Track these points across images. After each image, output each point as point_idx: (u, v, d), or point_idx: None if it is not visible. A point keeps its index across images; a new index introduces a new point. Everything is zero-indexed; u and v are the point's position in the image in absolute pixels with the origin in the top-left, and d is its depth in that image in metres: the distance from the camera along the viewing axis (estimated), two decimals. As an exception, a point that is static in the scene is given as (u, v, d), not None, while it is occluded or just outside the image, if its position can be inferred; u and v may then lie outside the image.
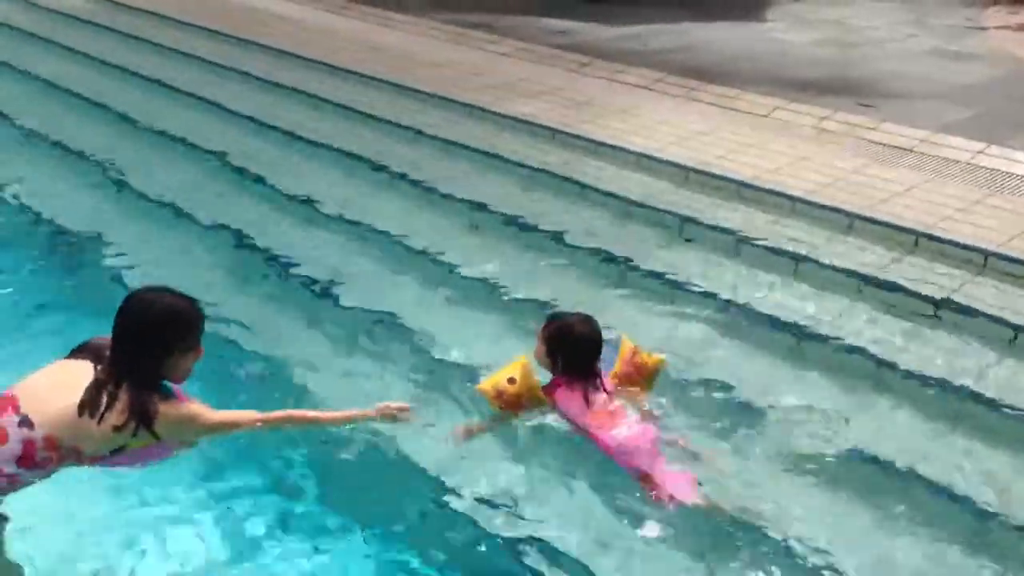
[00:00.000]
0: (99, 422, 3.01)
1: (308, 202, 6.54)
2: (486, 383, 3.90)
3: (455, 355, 4.68)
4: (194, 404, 3.29)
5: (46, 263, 5.82)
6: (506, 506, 3.72)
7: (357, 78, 9.03)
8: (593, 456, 3.83)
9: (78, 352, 3.21)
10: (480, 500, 3.74)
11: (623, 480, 3.74)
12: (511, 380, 3.84)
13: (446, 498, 3.77)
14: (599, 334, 3.96)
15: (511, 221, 6.28)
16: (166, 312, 3.17)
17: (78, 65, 9.72)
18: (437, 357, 4.68)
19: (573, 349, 3.89)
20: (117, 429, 3.04)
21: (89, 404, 3.02)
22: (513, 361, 3.95)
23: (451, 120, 7.97)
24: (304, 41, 10.18)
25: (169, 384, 3.29)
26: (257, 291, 5.46)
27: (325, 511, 3.73)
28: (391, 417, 3.68)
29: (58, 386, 3.06)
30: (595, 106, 8.17)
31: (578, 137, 7.45)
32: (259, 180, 6.92)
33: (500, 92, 8.48)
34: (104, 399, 3.04)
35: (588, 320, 3.97)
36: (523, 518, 3.67)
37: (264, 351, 4.74)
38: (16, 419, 2.96)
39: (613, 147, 7.23)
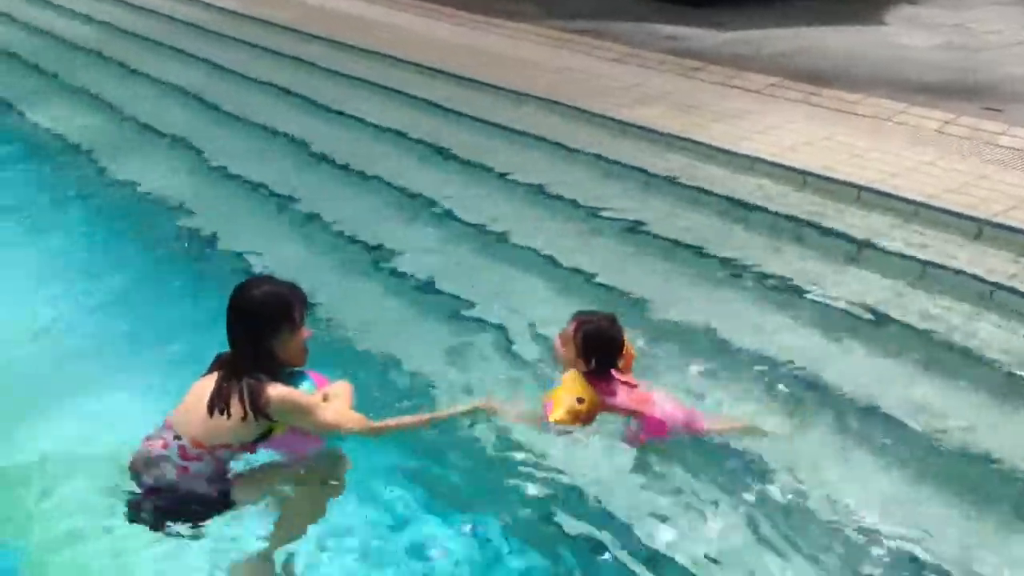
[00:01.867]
0: (227, 416, 3.29)
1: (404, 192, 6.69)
2: (560, 413, 3.85)
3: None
4: (310, 396, 3.45)
5: (175, 256, 6.10)
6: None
7: (474, 85, 9.18)
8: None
9: (211, 368, 3.47)
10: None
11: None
12: (580, 400, 3.87)
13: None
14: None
15: (626, 225, 6.30)
16: (263, 297, 3.41)
17: (203, 72, 10.14)
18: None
19: (609, 348, 4.02)
20: (243, 419, 3.29)
21: (213, 403, 3.32)
22: (565, 380, 3.96)
23: (566, 125, 8.03)
24: (412, 47, 10.40)
25: (305, 373, 3.52)
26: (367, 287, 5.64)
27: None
28: (493, 412, 3.87)
29: (195, 398, 3.39)
30: (708, 111, 8.11)
31: (693, 142, 7.41)
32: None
33: (612, 97, 8.50)
34: (225, 395, 3.31)
35: (615, 319, 4.12)
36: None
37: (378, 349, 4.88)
38: (171, 434, 3.38)
39: (728, 152, 7.16)
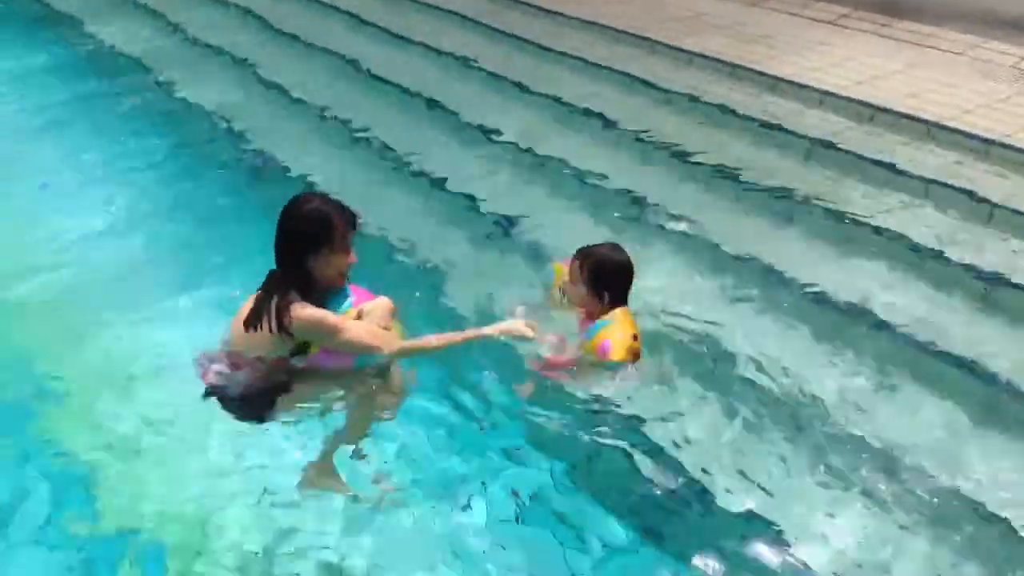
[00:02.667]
0: (259, 332, 3.37)
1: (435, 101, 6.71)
2: (620, 352, 3.77)
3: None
4: (339, 316, 3.44)
5: (236, 172, 6.18)
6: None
7: (540, 12, 9.07)
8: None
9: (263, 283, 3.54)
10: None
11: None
12: (636, 336, 3.81)
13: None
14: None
15: (682, 156, 6.24)
16: (307, 215, 3.40)
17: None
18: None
19: (622, 279, 3.85)
20: (271, 335, 3.36)
21: (250, 319, 3.39)
22: (616, 318, 3.83)
23: (631, 55, 7.93)
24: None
25: (348, 291, 3.58)
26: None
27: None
28: (515, 335, 3.71)
29: (240, 314, 3.45)
30: (776, 41, 7.95)
31: (758, 73, 7.29)
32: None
33: (677, 26, 8.36)
34: (258, 311, 3.39)
35: (620, 247, 3.91)
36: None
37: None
38: (224, 343, 3.53)
39: (795, 84, 7.05)
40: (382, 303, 3.63)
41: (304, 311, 3.34)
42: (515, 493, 3.50)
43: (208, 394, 3.49)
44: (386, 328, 3.56)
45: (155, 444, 3.60)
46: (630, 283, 3.89)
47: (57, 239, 5.12)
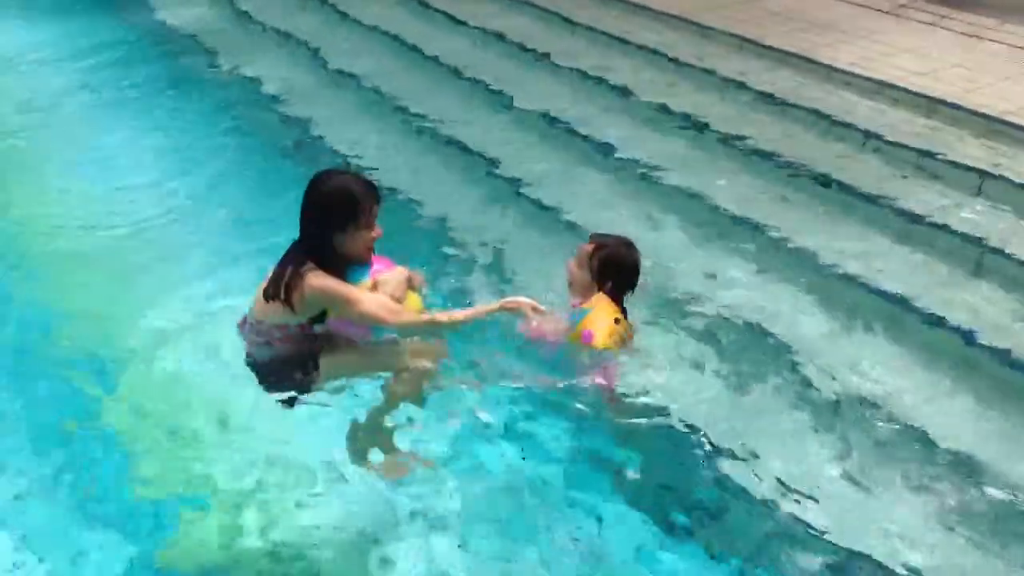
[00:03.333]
0: (275, 300, 3.41)
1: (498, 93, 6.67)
2: (603, 339, 3.71)
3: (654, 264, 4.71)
4: (352, 287, 3.44)
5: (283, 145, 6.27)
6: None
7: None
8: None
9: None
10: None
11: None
12: (617, 320, 3.77)
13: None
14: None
15: (731, 143, 6.18)
16: (333, 190, 3.42)
17: None
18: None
19: (626, 272, 3.84)
20: (284, 304, 3.40)
21: (268, 289, 3.44)
22: (596, 304, 3.78)
23: (679, 39, 7.87)
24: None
25: (366, 265, 3.58)
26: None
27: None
28: (515, 310, 3.63)
29: (264, 284, 3.50)
30: (832, 30, 7.84)
31: (812, 62, 7.20)
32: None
33: (730, 12, 8.27)
34: (276, 279, 3.43)
35: (631, 243, 3.92)
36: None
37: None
38: (249, 311, 3.58)
39: (850, 74, 6.95)
40: (397, 274, 3.64)
41: (318, 280, 3.36)
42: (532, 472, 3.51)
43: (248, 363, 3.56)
44: (399, 300, 3.56)
45: (200, 413, 3.65)
46: (635, 284, 3.89)
47: (112, 209, 5.25)
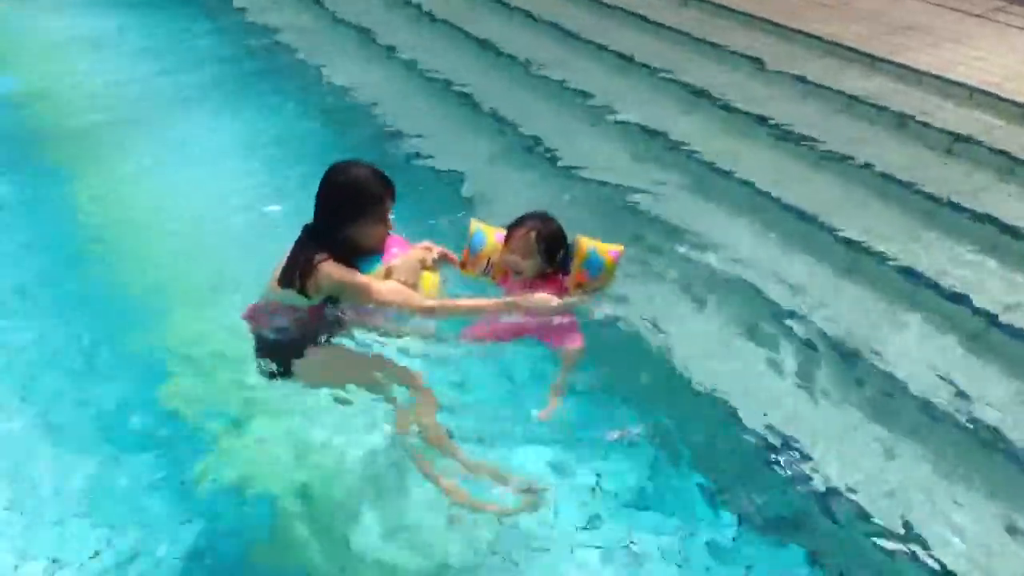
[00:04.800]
0: (289, 285, 3.44)
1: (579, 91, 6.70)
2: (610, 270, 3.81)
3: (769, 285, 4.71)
4: (363, 276, 3.45)
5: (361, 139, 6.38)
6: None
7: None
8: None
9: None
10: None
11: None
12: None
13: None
14: None
15: (814, 145, 6.10)
16: (352, 182, 3.45)
17: None
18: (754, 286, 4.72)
19: (565, 244, 3.85)
20: (299, 290, 3.43)
21: (283, 276, 3.46)
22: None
23: (762, 41, 7.79)
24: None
25: (376, 258, 3.58)
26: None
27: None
28: (544, 310, 3.61)
29: (280, 265, 3.52)
30: (920, 32, 7.68)
31: (900, 65, 7.06)
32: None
33: (815, 13, 8.16)
34: (290, 265, 3.45)
35: (547, 213, 3.88)
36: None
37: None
38: (266, 292, 3.58)
39: (940, 78, 6.80)
40: (410, 259, 3.65)
41: (331, 270, 3.39)
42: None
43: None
44: (412, 285, 3.57)
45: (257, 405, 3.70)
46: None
47: (193, 203, 5.36)
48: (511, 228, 3.83)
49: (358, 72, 7.57)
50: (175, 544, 3.15)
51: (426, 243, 3.84)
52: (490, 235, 3.92)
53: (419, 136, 6.36)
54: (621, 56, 7.67)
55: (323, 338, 3.55)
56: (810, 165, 5.95)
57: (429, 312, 3.59)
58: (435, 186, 5.61)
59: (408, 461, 3.37)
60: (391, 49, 8.07)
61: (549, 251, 3.80)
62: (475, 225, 3.96)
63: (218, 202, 5.34)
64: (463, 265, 3.92)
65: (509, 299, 3.65)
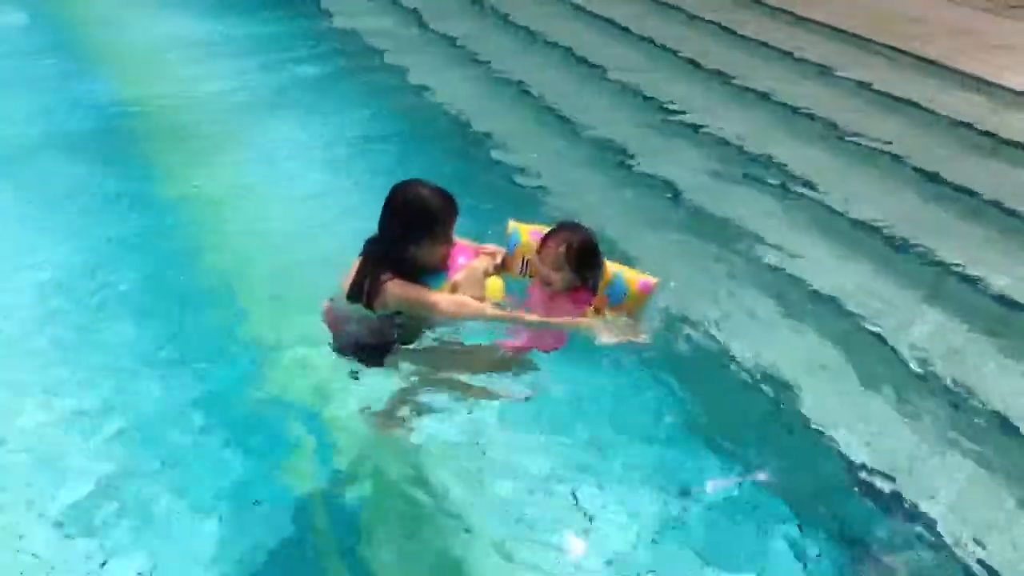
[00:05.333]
0: (357, 300, 3.54)
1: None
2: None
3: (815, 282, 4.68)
4: (430, 292, 3.52)
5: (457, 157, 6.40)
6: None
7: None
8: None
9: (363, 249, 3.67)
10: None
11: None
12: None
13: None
14: None
15: (909, 165, 6.00)
16: (414, 203, 3.48)
17: None
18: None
19: (597, 252, 3.76)
20: (368, 306, 3.52)
21: (352, 292, 3.56)
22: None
23: (854, 58, 7.71)
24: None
25: (442, 275, 3.64)
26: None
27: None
28: (610, 340, 3.61)
29: (348, 275, 3.60)
30: (1020, 52, 7.50)
31: (998, 86, 6.92)
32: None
33: (906, 29, 8.03)
34: (358, 283, 3.54)
35: (579, 225, 3.80)
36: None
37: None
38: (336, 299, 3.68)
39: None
40: (475, 271, 3.68)
41: (399, 289, 3.47)
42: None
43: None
44: (478, 297, 3.60)
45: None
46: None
47: (283, 205, 5.48)
48: (545, 237, 3.78)
49: (444, 77, 7.70)
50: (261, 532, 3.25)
51: (491, 247, 3.89)
52: (524, 234, 3.88)
53: (498, 138, 6.45)
54: (692, 62, 7.72)
55: (397, 343, 3.66)
56: (900, 183, 5.86)
57: (495, 318, 3.64)
58: (511, 188, 5.67)
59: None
60: (476, 56, 8.20)
61: (580, 266, 3.72)
62: (512, 225, 3.93)
63: (308, 205, 5.46)
64: (505, 267, 3.90)
65: (578, 322, 3.65)
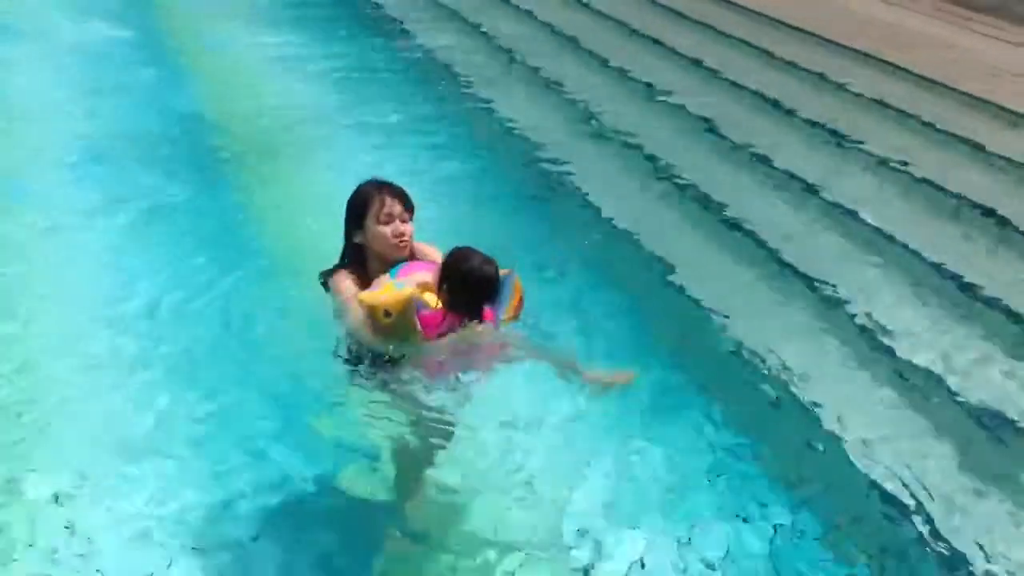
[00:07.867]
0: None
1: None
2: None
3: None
4: (349, 294, 3.41)
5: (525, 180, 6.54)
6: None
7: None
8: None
9: None
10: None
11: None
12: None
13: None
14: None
15: (967, 201, 6.12)
16: (354, 194, 3.56)
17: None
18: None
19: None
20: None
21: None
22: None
23: (919, 97, 7.86)
24: None
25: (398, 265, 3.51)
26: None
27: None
28: (601, 384, 3.57)
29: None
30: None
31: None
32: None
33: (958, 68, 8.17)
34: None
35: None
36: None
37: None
38: None
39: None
40: (383, 279, 3.44)
41: (335, 281, 3.51)
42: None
43: None
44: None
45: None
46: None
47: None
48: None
49: (518, 101, 7.88)
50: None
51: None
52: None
53: (566, 165, 6.60)
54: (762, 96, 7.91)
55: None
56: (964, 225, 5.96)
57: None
58: (579, 214, 5.82)
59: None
60: (555, 82, 8.36)
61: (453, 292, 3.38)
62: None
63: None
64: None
65: (577, 365, 3.55)
